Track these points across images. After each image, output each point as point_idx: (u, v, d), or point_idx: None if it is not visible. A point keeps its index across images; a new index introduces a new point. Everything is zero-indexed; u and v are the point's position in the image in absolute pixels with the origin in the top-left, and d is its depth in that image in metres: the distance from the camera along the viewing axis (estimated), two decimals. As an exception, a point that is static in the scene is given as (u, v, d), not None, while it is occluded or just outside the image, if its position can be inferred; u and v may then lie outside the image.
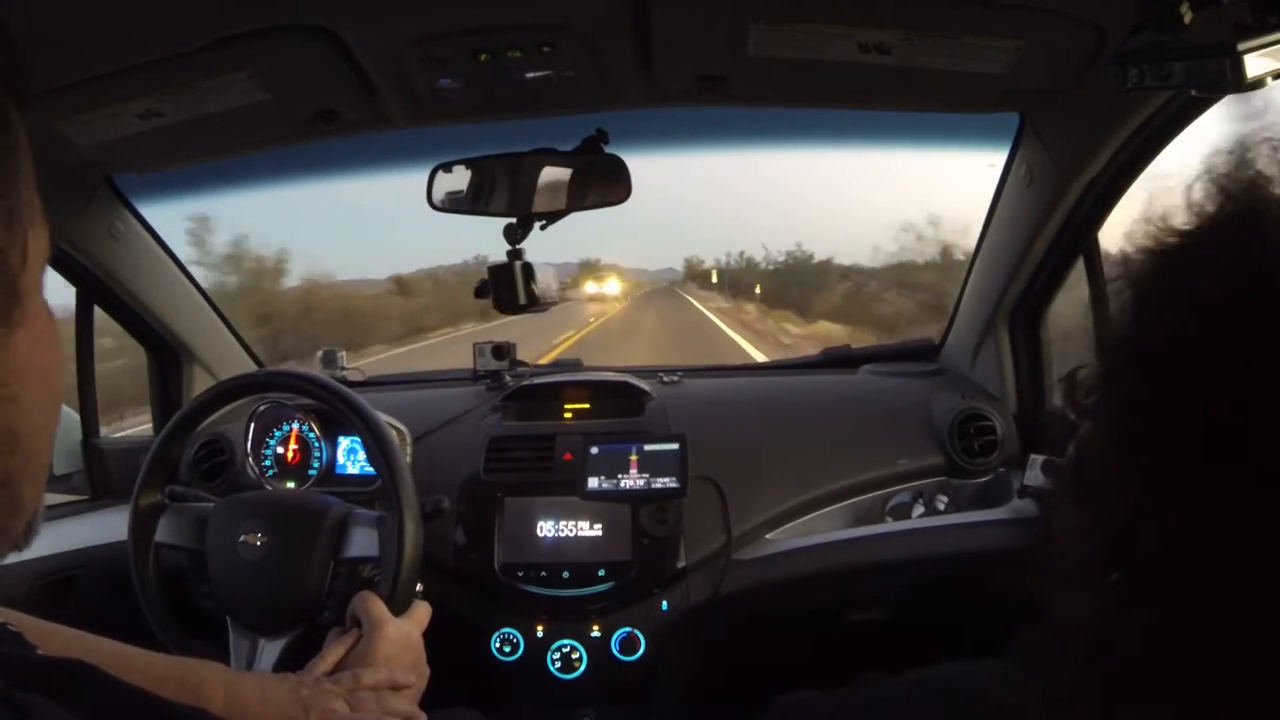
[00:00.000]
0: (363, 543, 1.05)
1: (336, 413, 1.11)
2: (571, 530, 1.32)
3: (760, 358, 9.58)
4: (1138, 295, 0.33)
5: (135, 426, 2.58)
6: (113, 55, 0.93)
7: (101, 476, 1.49)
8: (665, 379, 1.59)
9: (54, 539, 1.34)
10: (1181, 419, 0.30)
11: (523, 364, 1.70)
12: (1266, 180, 0.32)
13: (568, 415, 1.49)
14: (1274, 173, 0.32)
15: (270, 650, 1.02)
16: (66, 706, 0.34)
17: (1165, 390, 0.31)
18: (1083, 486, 0.35)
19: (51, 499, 1.45)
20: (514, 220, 1.29)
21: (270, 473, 1.38)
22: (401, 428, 1.36)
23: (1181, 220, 0.33)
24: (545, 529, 1.32)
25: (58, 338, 0.42)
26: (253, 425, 1.36)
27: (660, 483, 1.26)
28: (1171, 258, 0.33)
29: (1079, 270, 1.34)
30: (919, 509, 1.37)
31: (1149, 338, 0.32)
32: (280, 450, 1.40)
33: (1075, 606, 0.33)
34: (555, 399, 1.52)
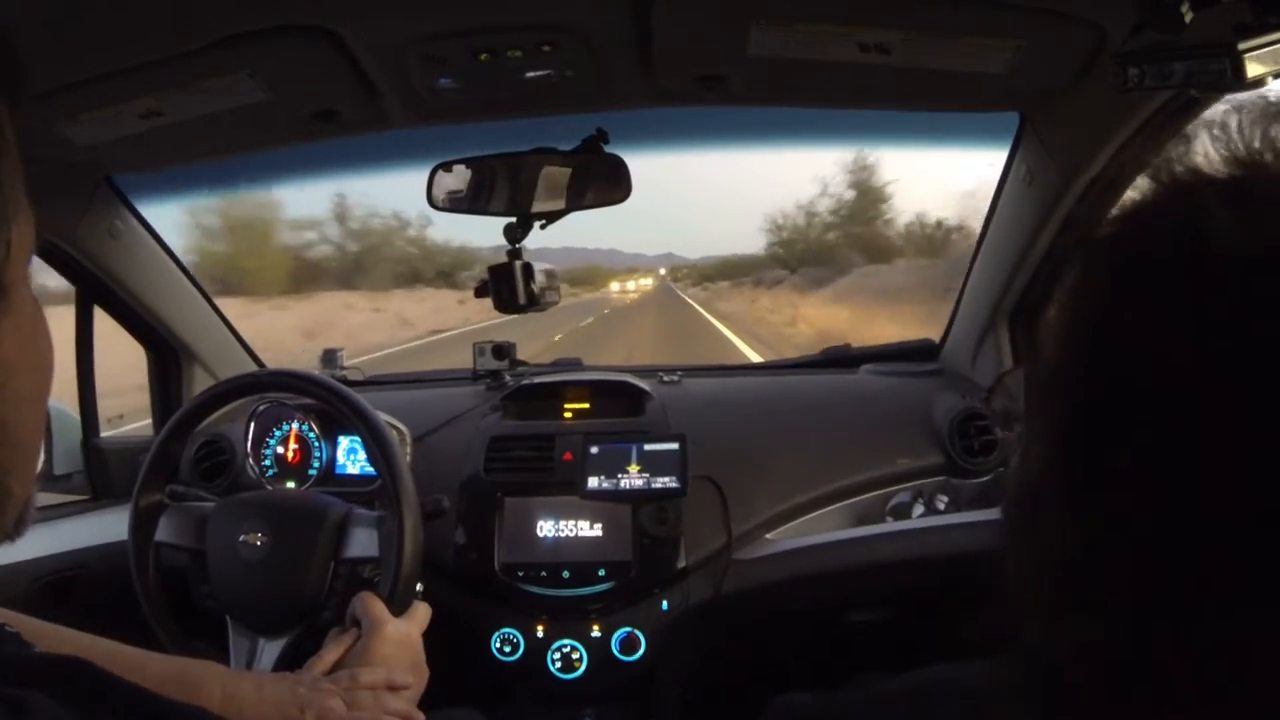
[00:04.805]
0: (363, 543, 1.05)
1: (336, 413, 1.11)
2: (571, 530, 1.32)
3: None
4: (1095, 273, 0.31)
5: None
6: (113, 55, 0.93)
7: (101, 476, 1.48)
8: (665, 378, 1.59)
9: (54, 539, 1.33)
10: (1139, 428, 0.27)
11: (523, 364, 1.71)
12: (1184, 154, 0.29)
13: (568, 415, 1.49)
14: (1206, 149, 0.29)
15: (270, 650, 1.02)
16: (63, 703, 0.34)
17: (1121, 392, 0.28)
18: (1025, 522, 0.32)
19: (51, 499, 1.45)
20: (514, 220, 1.29)
21: (270, 473, 1.38)
22: (401, 427, 1.36)
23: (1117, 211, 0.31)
24: (545, 529, 1.32)
25: (47, 329, 0.42)
26: (253, 425, 1.36)
27: (660, 482, 1.26)
28: (1114, 239, 0.31)
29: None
30: (919, 509, 1.37)
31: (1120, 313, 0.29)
32: (280, 450, 1.40)
33: (1032, 636, 0.30)
34: (555, 398, 1.51)
